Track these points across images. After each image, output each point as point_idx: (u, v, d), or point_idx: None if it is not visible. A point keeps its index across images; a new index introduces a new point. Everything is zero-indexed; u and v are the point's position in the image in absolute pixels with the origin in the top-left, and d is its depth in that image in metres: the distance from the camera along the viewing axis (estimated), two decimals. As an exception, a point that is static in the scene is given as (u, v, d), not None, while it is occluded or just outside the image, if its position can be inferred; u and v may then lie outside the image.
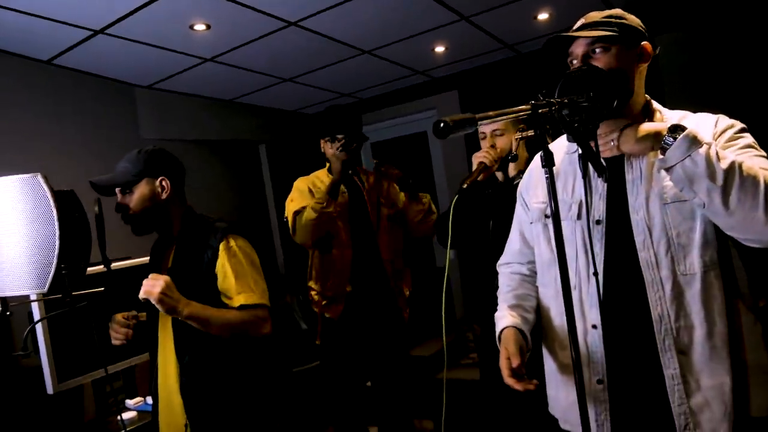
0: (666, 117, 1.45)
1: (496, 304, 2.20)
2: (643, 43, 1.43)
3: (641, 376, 1.38)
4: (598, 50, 1.40)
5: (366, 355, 2.82)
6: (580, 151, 1.50)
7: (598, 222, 1.45)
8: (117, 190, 1.88)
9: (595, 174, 1.47)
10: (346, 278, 2.74)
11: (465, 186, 2.04)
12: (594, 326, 1.44)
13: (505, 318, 1.59)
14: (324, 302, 2.78)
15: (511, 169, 2.27)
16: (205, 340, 1.79)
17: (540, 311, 1.64)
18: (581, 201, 1.47)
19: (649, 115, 1.46)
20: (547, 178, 1.09)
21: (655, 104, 1.50)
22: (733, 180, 1.17)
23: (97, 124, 3.60)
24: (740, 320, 1.34)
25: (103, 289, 2.07)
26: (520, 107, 1.15)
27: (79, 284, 1.87)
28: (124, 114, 3.80)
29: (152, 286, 1.65)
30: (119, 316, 1.89)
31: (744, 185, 1.17)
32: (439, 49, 3.99)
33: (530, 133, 1.11)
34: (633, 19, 1.45)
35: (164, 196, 1.88)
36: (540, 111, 1.12)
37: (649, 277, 1.35)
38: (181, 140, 4.14)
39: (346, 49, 3.70)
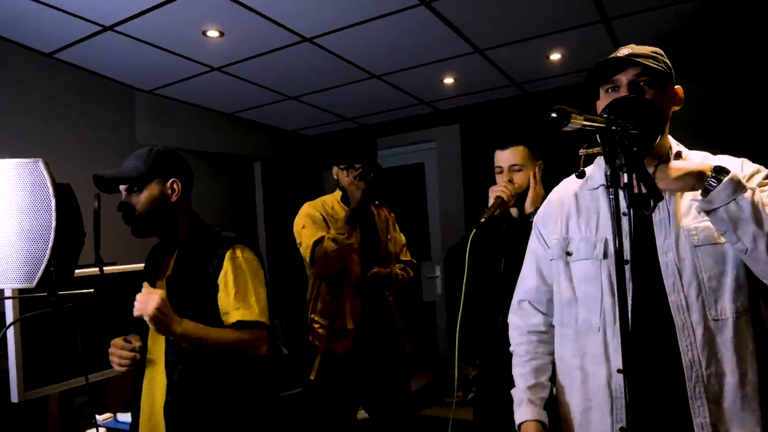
0: (689, 157, 1.41)
1: (502, 343, 2.15)
2: (676, 87, 1.40)
3: (668, 424, 1.31)
4: (643, 83, 1.36)
5: (365, 387, 2.70)
6: (605, 185, 1.46)
7: (626, 262, 1.39)
8: (123, 187, 1.77)
9: (620, 212, 1.42)
10: (358, 312, 2.63)
11: (483, 220, 2.01)
12: (619, 370, 1.36)
13: (525, 406, 1.52)
14: (332, 336, 2.64)
15: (528, 205, 2.23)
16: (200, 357, 1.66)
17: (555, 354, 1.57)
18: (606, 239, 1.42)
19: (674, 155, 1.42)
20: (611, 198, 1.02)
21: (678, 144, 1.46)
22: None
23: (93, 124, 3.48)
24: None
25: (93, 290, 1.94)
26: (597, 118, 1.09)
27: (65, 284, 1.75)
28: (121, 116, 3.69)
29: (146, 302, 1.53)
30: (119, 341, 1.73)
31: None
32: (448, 80, 3.99)
33: (596, 150, 1.04)
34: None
35: (173, 198, 1.78)
36: (613, 128, 1.06)
37: (679, 322, 1.30)
38: (177, 149, 4.01)
39: (357, 72, 3.66)
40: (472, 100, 4.59)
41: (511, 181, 2.18)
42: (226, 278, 1.69)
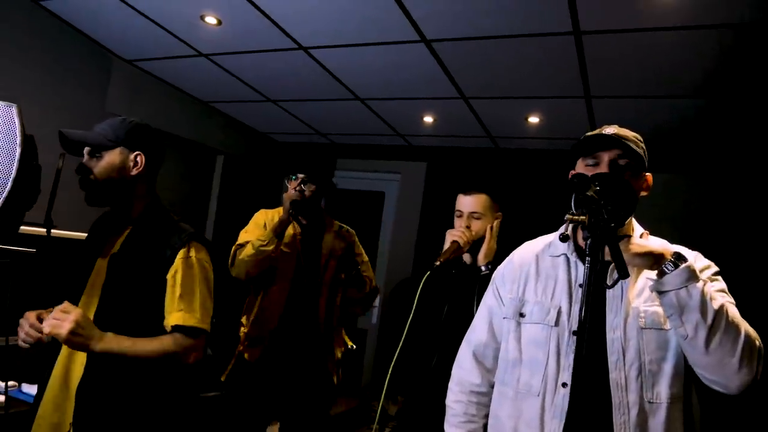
0: (650, 240, 1.47)
1: (432, 384, 2.17)
2: (647, 174, 1.48)
3: None
4: (622, 163, 1.42)
5: (276, 400, 2.62)
6: (568, 255, 1.51)
7: (574, 333, 1.43)
8: (86, 150, 1.70)
9: (576, 283, 1.48)
10: (274, 323, 2.57)
11: (438, 263, 2.03)
12: None
13: None
14: (246, 342, 2.59)
15: (481, 257, 2.27)
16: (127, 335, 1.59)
17: (489, 412, 1.59)
18: (560, 307, 1.47)
19: (638, 236, 1.48)
20: (586, 267, 1.05)
21: (641, 227, 1.52)
22: (720, 322, 1.21)
23: (66, 80, 3.34)
24: None
25: (34, 251, 1.84)
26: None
27: (6, 239, 1.65)
28: (95, 82, 3.56)
29: (59, 323, 1.44)
30: (32, 315, 1.61)
31: (728, 330, 1.21)
32: (428, 119, 4.07)
33: (582, 218, 1.08)
34: None
35: (133, 172, 1.71)
36: (602, 202, 1.10)
37: (616, 399, 1.34)
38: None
39: (342, 90, 3.69)
40: (443, 142, 4.69)
41: (468, 227, 2.21)
42: (175, 277, 1.64)
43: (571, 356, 1.40)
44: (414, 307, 2.01)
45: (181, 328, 1.60)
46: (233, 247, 2.52)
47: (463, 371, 1.68)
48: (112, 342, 1.51)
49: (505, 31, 2.60)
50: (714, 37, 2.41)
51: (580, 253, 1.51)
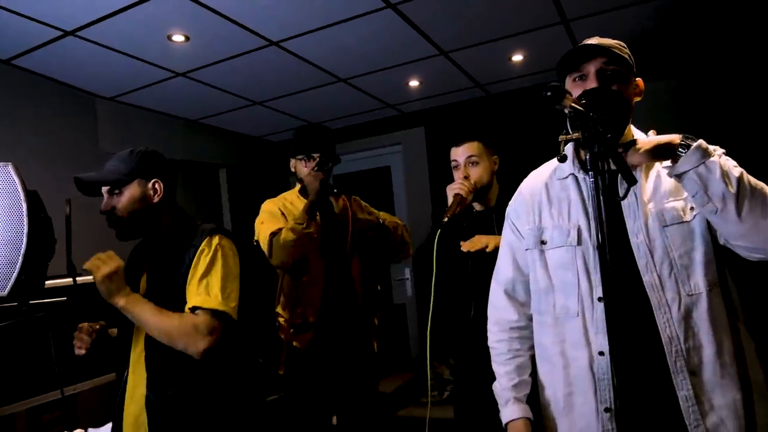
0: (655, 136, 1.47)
1: (476, 338, 2.18)
2: (637, 79, 1.46)
3: (653, 401, 1.35)
4: (610, 72, 1.41)
5: (334, 388, 2.67)
6: (575, 173, 1.51)
7: (598, 247, 1.43)
8: (105, 189, 1.73)
9: (589, 199, 1.48)
10: (317, 306, 2.61)
11: (445, 220, 2.03)
12: (601, 353, 1.40)
13: (511, 404, 1.57)
14: (291, 330, 2.63)
15: (491, 200, 2.29)
16: (179, 358, 1.64)
17: (534, 341, 1.60)
18: (579, 226, 1.47)
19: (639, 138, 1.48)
20: (590, 183, 1.05)
21: (639, 132, 1.51)
22: (745, 188, 1.22)
23: (55, 132, 3.39)
24: (740, 337, 1.36)
25: (65, 299, 1.89)
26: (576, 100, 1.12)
27: (36, 293, 1.70)
28: (83, 125, 3.60)
29: (99, 265, 1.57)
30: (86, 325, 1.71)
31: (754, 193, 1.22)
32: (414, 83, 4.04)
33: (575, 135, 1.08)
34: None
35: (156, 199, 1.75)
36: (591, 114, 1.10)
37: (655, 300, 1.34)
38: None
39: (323, 75, 3.68)
40: (436, 103, 4.65)
41: (467, 177, 2.21)
42: (196, 261, 1.67)
43: (599, 270, 1.40)
44: (434, 269, 2.01)
45: (198, 308, 1.61)
46: (266, 238, 2.49)
47: (499, 310, 1.69)
48: (136, 300, 1.60)
49: (467, -26, 2.57)
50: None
51: (587, 169, 1.51)
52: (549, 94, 1.12)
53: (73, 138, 3.50)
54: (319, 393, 2.63)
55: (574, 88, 1.45)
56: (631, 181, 1.18)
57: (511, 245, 1.68)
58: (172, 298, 1.64)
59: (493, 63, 3.73)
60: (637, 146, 1.32)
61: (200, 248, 1.68)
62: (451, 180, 2.32)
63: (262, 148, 5.33)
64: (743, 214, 1.21)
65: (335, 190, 2.59)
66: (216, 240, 1.71)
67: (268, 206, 2.68)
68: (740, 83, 3.67)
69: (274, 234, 2.48)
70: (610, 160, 1.13)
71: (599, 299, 1.40)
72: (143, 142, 3.89)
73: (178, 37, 2.91)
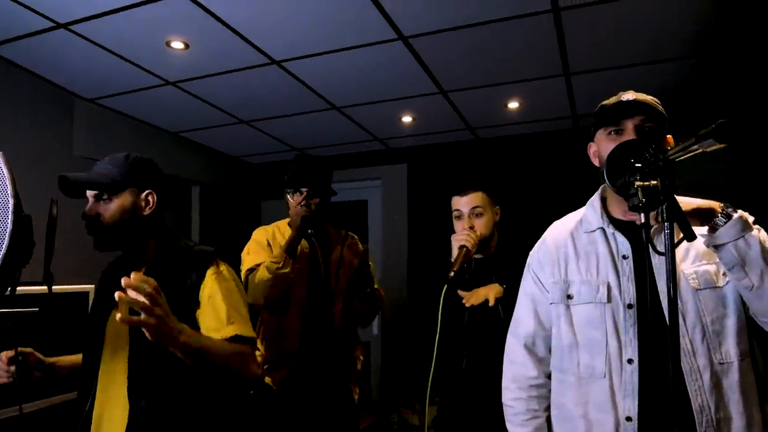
0: (683, 200, 1.46)
1: (465, 387, 2.15)
2: (668, 136, 1.45)
3: None
4: (648, 129, 1.40)
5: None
6: (604, 227, 1.47)
7: (629, 306, 1.39)
8: (91, 193, 1.58)
9: (619, 255, 1.44)
10: (296, 343, 2.46)
11: (452, 275, 2.00)
12: (628, 418, 1.34)
13: None
14: (266, 366, 2.46)
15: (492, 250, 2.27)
16: (170, 383, 1.47)
17: (552, 402, 1.53)
18: (609, 283, 1.42)
19: None
20: (666, 235, 0.99)
21: None
22: None
23: (26, 130, 3.16)
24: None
25: (37, 309, 1.69)
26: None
27: (5, 301, 1.51)
28: (58, 125, 3.38)
29: (150, 309, 1.19)
30: (3, 354, 1.55)
31: None
32: (406, 119, 4.00)
33: (655, 183, 1.02)
34: None
35: (146, 212, 1.62)
36: (676, 160, 1.04)
37: (687, 366, 1.30)
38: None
39: (318, 101, 3.60)
40: (423, 141, 4.63)
41: (472, 227, 2.18)
42: (211, 291, 1.52)
43: (631, 331, 1.36)
44: (439, 323, 1.98)
45: (240, 338, 1.48)
46: (243, 273, 2.39)
47: (517, 366, 1.61)
48: (192, 336, 1.33)
49: (483, 17, 2.56)
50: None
51: (617, 224, 1.48)
52: (620, 150, 1.13)
53: (45, 138, 3.28)
54: (281, 427, 2.45)
55: (608, 142, 1.42)
56: (691, 237, 1.13)
57: (533, 298, 1.61)
58: None
59: (489, 107, 3.74)
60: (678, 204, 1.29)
61: (208, 275, 1.55)
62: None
63: (239, 169, 5.17)
64: None
65: (309, 231, 2.47)
66: (223, 267, 1.59)
67: (258, 235, 2.55)
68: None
69: (250, 270, 2.36)
70: (666, 213, 1.08)
71: (629, 361, 1.35)
72: (118, 149, 3.68)
73: (177, 44, 2.78)
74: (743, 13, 2.51)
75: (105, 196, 1.56)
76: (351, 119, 3.98)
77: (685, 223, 1.10)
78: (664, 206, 1.01)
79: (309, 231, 2.47)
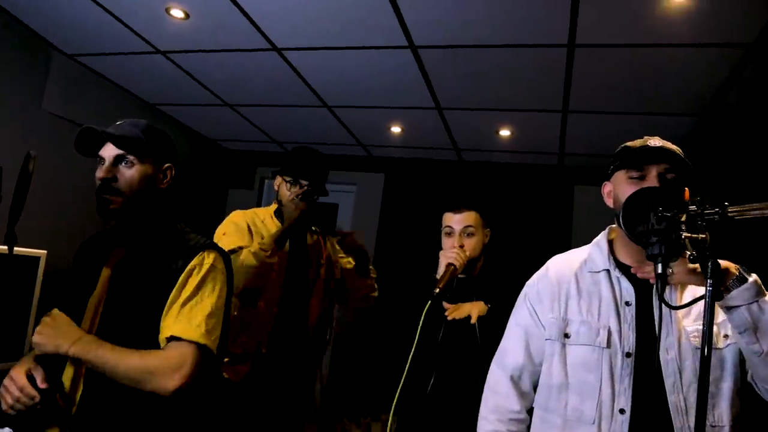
0: None
1: (430, 408, 2.08)
2: (686, 188, 1.44)
3: None
4: (670, 177, 1.37)
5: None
6: (610, 270, 1.45)
7: (628, 354, 1.36)
8: (111, 154, 1.44)
9: (622, 300, 1.41)
10: (264, 338, 2.34)
11: (437, 291, 1.95)
12: None
13: None
14: (226, 359, 2.32)
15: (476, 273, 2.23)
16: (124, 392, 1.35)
17: None
18: (609, 327, 1.39)
19: None
20: (709, 289, 0.94)
21: None
22: None
23: (-3, 74, 2.93)
24: None
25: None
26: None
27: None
28: (31, 75, 3.15)
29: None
30: (20, 374, 1.31)
31: None
32: (395, 129, 3.94)
33: (703, 236, 0.98)
34: None
35: (163, 185, 1.52)
36: (735, 218, 1.00)
37: (678, 424, 1.28)
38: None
39: (311, 97, 3.49)
40: (406, 154, 4.57)
41: (462, 246, 2.15)
42: (184, 279, 1.40)
43: (627, 380, 1.33)
44: (416, 341, 1.92)
45: (175, 339, 1.34)
46: None
47: (500, 397, 1.56)
48: (90, 347, 1.29)
49: (498, 40, 2.52)
50: (713, 58, 2.44)
51: (622, 268, 1.45)
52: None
53: (16, 87, 3.04)
54: (241, 424, 2.33)
55: (628, 185, 1.39)
56: (720, 296, 1.10)
57: (526, 330, 1.56)
58: (142, 307, 1.37)
59: (480, 131, 3.71)
60: (690, 266, 1.25)
61: (191, 264, 1.42)
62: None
63: (212, 152, 4.98)
64: None
65: (313, 228, 2.40)
66: (210, 259, 1.46)
67: (236, 218, 2.42)
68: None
69: (232, 252, 2.22)
70: (711, 269, 1.04)
71: (621, 411, 1.31)
72: (91, 112, 3.50)
73: (177, 12, 2.63)
74: (753, 88, 2.56)
75: (129, 159, 1.44)
76: (339, 120, 3.88)
77: (720, 281, 1.07)
78: (710, 262, 0.96)
79: (312, 228, 2.45)
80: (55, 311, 1.34)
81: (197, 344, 1.34)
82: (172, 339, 1.34)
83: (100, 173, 1.43)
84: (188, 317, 1.36)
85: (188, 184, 4.74)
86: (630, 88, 2.81)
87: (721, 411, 1.27)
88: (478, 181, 4.47)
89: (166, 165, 1.52)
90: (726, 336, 1.32)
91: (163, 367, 1.30)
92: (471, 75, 2.90)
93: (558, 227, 4.10)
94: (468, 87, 3.06)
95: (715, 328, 1.33)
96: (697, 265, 1.23)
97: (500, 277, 2.17)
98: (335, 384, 4.66)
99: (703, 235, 0.98)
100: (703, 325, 0.94)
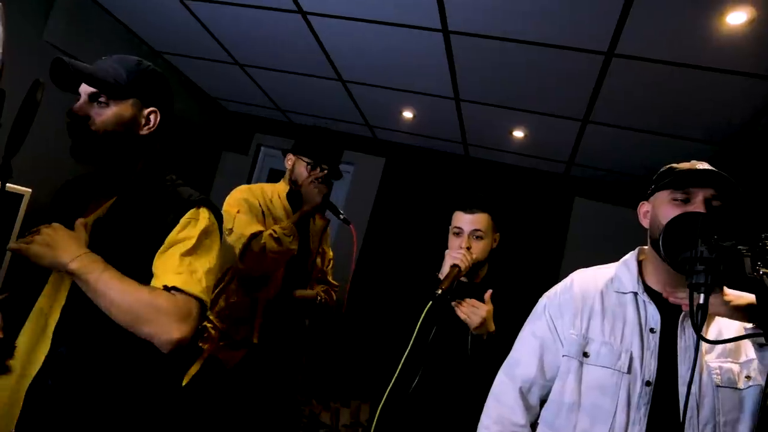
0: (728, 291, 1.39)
1: (411, 407, 2.01)
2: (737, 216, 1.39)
3: None
4: (715, 204, 1.31)
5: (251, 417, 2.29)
6: (638, 293, 1.39)
7: (648, 383, 1.31)
8: (87, 91, 1.32)
9: (647, 326, 1.36)
10: (255, 328, 2.24)
11: (439, 292, 1.86)
12: None
13: None
14: (222, 343, 2.21)
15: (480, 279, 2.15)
16: (99, 336, 1.25)
17: None
18: (631, 353, 1.34)
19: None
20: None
21: None
22: None
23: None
24: None
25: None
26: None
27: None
28: (33, 5, 2.96)
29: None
30: None
31: None
32: (407, 114, 3.82)
33: (764, 271, 0.91)
34: None
35: (144, 131, 1.38)
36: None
37: None
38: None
39: (327, 68, 3.35)
40: (411, 141, 4.46)
41: (469, 248, 2.05)
42: (176, 239, 1.29)
43: (643, 409, 1.28)
44: (414, 336, 1.86)
45: (174, 289, 1.22)
46: (246, 238, 2.09)
47: (505, 408, 1.49)
48: (94, 266, 1.17)
49: (535, 37, 2.43)
50: (747, 86, 2.38)
51: (651, 293, 1.39)
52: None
53: (17, 16, 2.85)
54: (236, 416, 2.24)
55: (671, 207, 1.33)
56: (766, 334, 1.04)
57: (542, 343, 1.50)
58: (124, 264, 1.24)
59: (494, 128, 3.62)
60: (726, 298, 1.21)
61: (186, 217, 1.31)
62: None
63: (211, 110, 4.80)
64: None
65: (342, 215, 2.31)
66: (206, 215, 1.35)
67: (248, 196, 2.25)
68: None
69: (254, 236, 2.10)
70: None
71: None
72: (90, 49, 3.31)
73: (203, -43, 2.48)
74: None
75: (102, 99, 1.31)
76: (351, 96, 3.75)
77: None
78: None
79: (341, 215, 2.37)
80: (56, 224, 1.22)
81: (199, 300, 1.25)
82: (172, 288, 1.22)
83: (72, 108, 1.31)
84: (189, 270, 1.26)
85: (181, 140, 4.57)
86: (656, 106, 2.74)
87: None
88: (488, 181, 4.38)
89: (150, 109, 1.38)
90: (748, 377, 1.28)
91: (173, 310, 1.19)
92: (497, 69, 2.80)
93: (552, 237, 4.04)
94: (491, 81, 2.96)
95: (737, 367, 1.30)
96: (744, 300, 1.18)
97: (505, 294, 2.09)
98: (309, 368, 4.58)
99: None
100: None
